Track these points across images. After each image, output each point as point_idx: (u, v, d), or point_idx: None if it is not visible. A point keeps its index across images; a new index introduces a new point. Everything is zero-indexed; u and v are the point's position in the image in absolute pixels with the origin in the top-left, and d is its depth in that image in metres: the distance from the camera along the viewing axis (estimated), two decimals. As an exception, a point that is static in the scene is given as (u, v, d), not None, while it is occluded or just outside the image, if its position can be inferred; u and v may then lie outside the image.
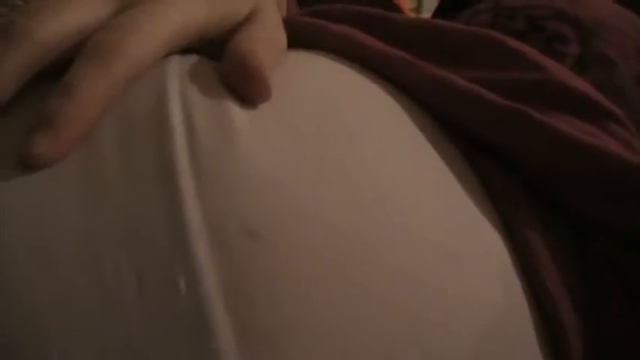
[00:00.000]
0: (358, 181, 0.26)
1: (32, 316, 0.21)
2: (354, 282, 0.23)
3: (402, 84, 0.32)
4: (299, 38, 0.33)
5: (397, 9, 1.39)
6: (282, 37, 0.31)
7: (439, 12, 0.65)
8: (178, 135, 0.24)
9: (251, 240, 0.22)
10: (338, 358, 0.22)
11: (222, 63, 0.28)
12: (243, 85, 0.27)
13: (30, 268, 0.22)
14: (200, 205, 0.23)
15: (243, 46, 0.28)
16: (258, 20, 0.30)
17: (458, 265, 0.26)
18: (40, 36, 0.26)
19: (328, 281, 0.23)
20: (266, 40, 0.29)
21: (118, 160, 0.24)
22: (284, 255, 0.23)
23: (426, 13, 1.45)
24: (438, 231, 0.26)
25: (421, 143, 0.30)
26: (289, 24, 0.33)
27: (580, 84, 0.33)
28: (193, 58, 0.29)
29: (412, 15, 1.37)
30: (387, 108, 0.31)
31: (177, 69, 0.28)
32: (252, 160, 0.24)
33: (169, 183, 0.23)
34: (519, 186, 0.31)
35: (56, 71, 0.26)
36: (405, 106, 0.31)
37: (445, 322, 0.24)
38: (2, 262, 0.22)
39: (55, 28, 0.26)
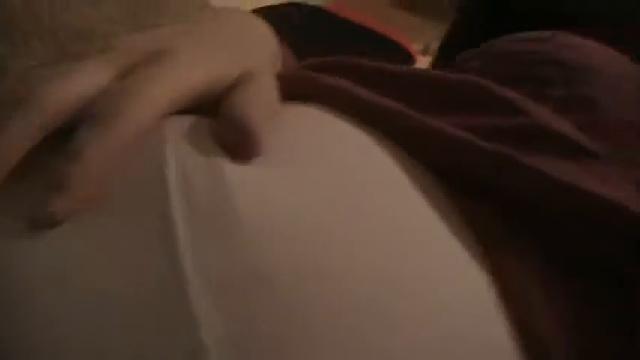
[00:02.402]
0: (361, 233, 0.28)
1: None
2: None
3: (397, 135, 0.34)
4: (295, 91, 0.35)
5: (408, 55, 1.42)
6: (275, 98, 0.33)
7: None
8: (175, 198, 0.26)
9: (257, 289, 0.24)
10: None
11: (217, 125, 0.30)
12: (237, 145, 0.29)
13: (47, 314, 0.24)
14: (197, 266, 0.25)
15: (237, 110, 0.30)
16: (250, 82, 0.32)
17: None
18: (45, 104, 0.28)
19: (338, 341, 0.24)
20: (259, 103, 0.31)
21: (123, 223, 0.26)
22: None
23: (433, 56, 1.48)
24: (435, 284, 0.28)
25: (416, 195, 0.31)
26: (285, 78, 0.35)
27: (562, 126, 0.34)
28: (190, 119, 0.31)
29: (421, 57, 1.40)
30: (381, 160, 0.32)
31: (173, 130, 0.29)
32: (247, 210, 0.26)
33: (169, 250, 0.25)
34: (513, 228, 0.32)
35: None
36: (399, 158, 0.33)
37: None
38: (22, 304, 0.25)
39: (58, 96, 0.29)
